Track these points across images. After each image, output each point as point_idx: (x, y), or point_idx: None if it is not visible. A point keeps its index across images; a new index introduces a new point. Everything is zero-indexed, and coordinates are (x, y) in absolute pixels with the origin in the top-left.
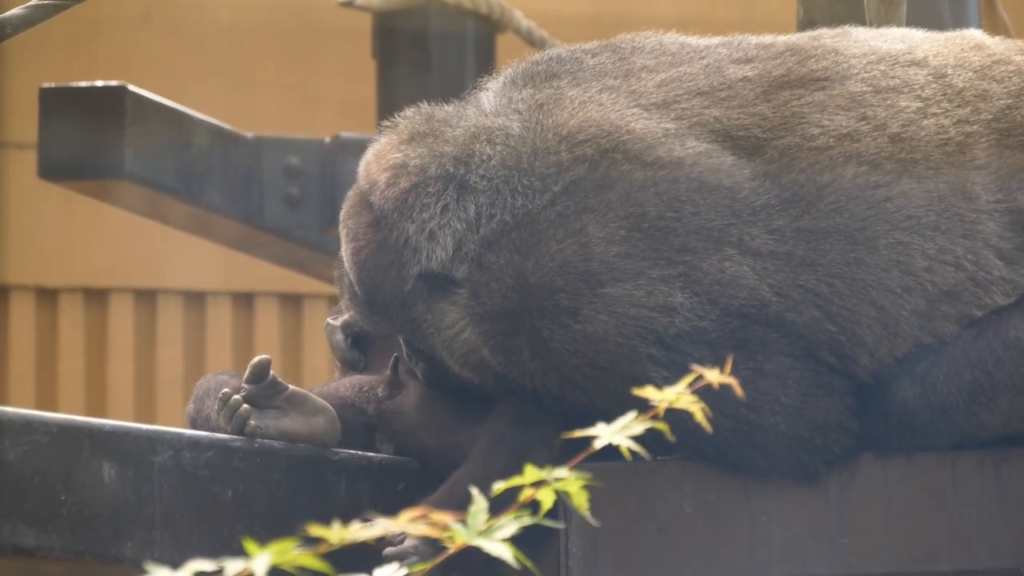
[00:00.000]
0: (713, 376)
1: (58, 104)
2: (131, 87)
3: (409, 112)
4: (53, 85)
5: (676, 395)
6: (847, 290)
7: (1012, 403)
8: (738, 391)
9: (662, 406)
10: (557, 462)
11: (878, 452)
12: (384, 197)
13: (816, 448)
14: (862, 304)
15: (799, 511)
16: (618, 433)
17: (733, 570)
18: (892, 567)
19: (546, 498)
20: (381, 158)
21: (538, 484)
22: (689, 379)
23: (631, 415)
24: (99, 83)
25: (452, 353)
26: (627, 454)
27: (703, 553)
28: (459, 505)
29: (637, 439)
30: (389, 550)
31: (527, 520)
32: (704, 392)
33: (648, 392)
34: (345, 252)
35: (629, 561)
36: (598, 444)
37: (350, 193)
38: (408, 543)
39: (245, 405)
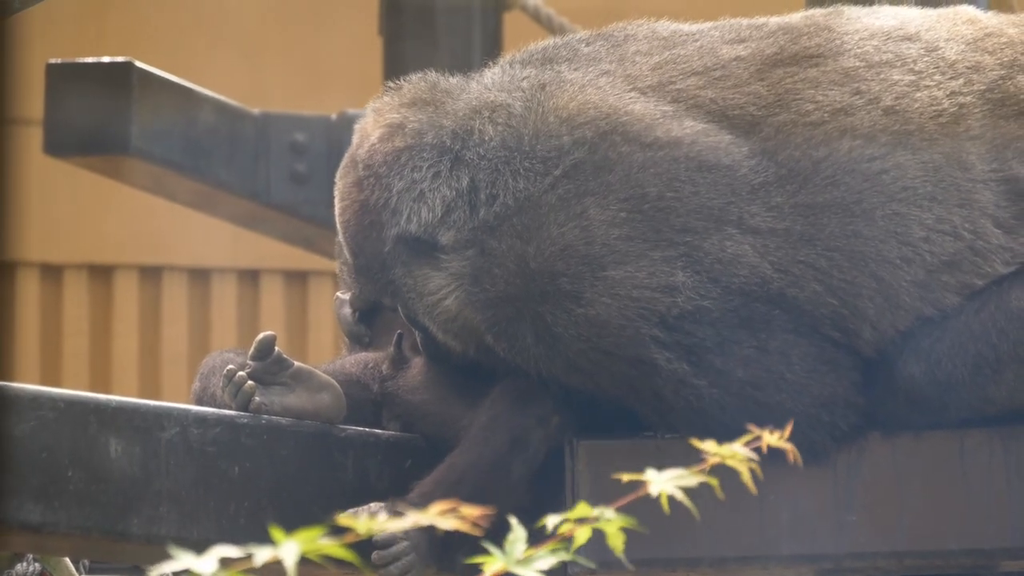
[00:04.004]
0: (771, 439)
1: (65, 80)
2: (138, 63)
3: (415, 77)
4: (60, 61)
5: (730, 452)
6: (846, 263)
7: (1018, 375)
8: (795, 458)
9: (713, 460)
10: (553, 442)
11: (886, 430)
12: (374, 151)
13: (823, 424)
14: (862, 276)
15: (807, 489)
16: (670, 483)
17: (742, 548)
18: (900, 545)
19: (582, 536)
20: (379, 115)
21: (582, 521)
22: (747, 438)
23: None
24: (106, 59)
25: (434, 320)
26: (665, 505)
27: (712, 531)
28: (454, 488)
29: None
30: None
31: (564, 556)
32: (708, 369)
33: (705, 445)
34: (335, 213)
35: (638, 539)
36: (652, 490)
37: (345, 154)
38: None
39: (250, 382)
